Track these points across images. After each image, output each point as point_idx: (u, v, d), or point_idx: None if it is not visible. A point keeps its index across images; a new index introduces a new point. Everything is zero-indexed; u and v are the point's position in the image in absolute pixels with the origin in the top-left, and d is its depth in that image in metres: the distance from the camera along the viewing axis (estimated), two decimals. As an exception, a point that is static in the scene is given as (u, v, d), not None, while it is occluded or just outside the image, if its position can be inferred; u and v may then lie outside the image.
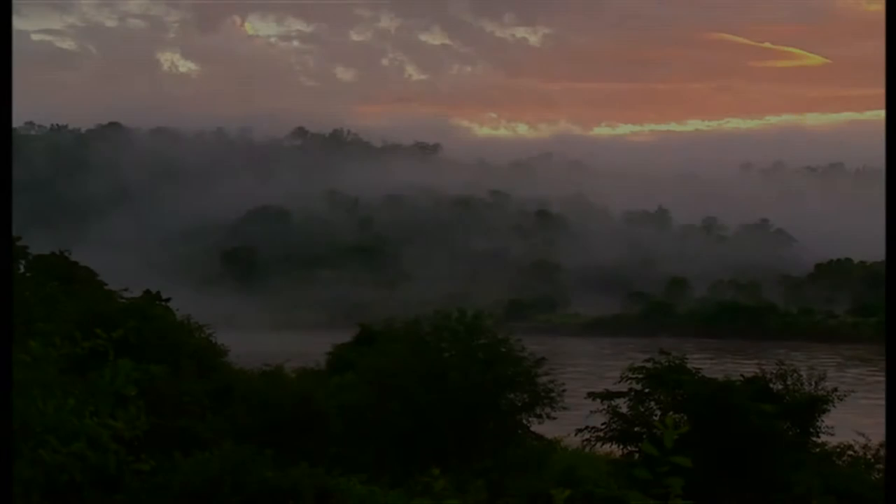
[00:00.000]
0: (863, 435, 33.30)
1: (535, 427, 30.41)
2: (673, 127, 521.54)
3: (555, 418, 29.75)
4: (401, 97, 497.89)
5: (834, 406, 32.35)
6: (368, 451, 27.45)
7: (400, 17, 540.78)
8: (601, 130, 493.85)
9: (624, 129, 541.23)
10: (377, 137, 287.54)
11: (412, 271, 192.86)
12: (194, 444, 23.60)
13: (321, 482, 21.46)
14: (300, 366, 37.27)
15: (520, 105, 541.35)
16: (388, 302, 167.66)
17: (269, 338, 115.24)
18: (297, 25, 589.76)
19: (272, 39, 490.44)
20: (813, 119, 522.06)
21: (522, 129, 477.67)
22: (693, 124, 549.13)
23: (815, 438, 31.68)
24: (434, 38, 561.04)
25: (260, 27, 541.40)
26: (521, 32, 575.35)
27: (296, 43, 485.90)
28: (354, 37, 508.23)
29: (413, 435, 28.02)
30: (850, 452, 32.49)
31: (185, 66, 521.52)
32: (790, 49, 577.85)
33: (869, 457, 32.68)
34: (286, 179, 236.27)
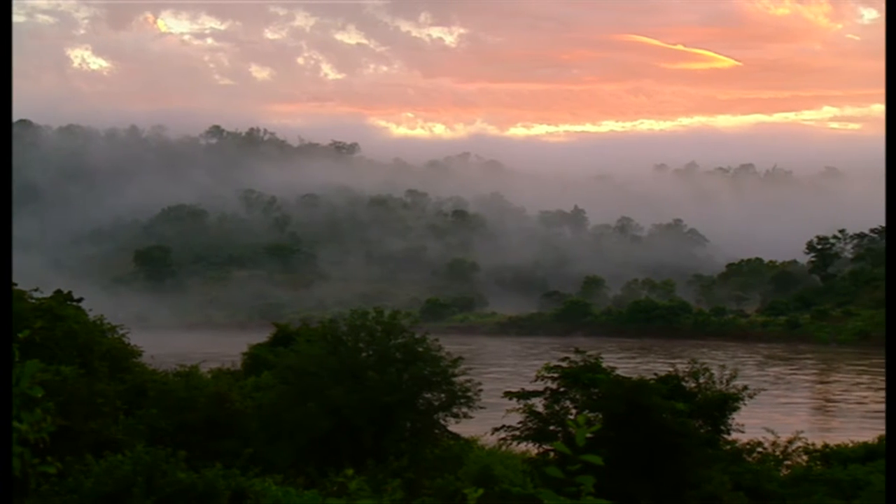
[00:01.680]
0: (772, 432, 33.95)
1: (452, 426, 30.46)
2: (588, 128, 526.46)
3: (471, 417, 29.83)
4: (317, 96, 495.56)
5: (744, 404, 32.92)
6: (285, 451, 27.27)
7: (315, 16, 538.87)
8: (517, 131, 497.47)
9: (539, 129, 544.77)
10: (294, 136, 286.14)
11: (329, 271, 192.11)
12: (106, 445, 23.26)
13: (236, 483, 21.29)
14: (216, 366, 36.90)
15: (436, 105, 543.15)
16: (304, 302, 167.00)
17: (184, 338, 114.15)
18: (211, 23, 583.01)
19: (185, 37, 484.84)
20: (724, 121, 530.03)
21: (439, 129, 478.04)
22: (608, 125, 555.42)
23: (725, 436, 32.21)
24: (350, 37, 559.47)
25: (173, 24, 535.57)
26: (437, 32, 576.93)
27: (210, 41, 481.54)
28: (269, 35, 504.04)
29: (330, 435, 27.90)
30: (760, 449, 33.10)
31: (97, 63, 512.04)
32: (701, 51, 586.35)
33: (778, 453, 33.33)
34: (201, 178, 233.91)
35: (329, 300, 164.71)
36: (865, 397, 79.04)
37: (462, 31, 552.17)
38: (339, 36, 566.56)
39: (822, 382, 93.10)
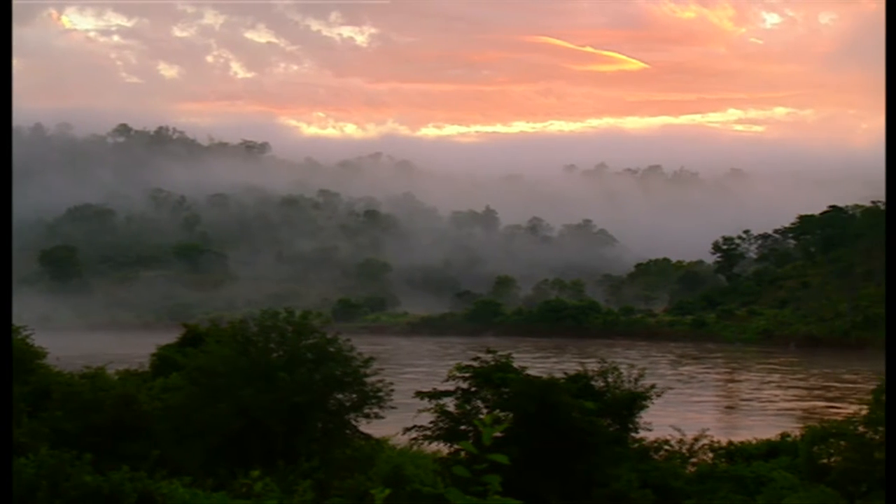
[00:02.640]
0: (678, 430, 34.50)
1: (364, 427, 30.41)
2: (499, 128, 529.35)
3: (383, 418, 29.81)
4: (227, 95, 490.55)
5: (652, 402, 33.39)
6: (194, 452, 26.98)
7: (224, 14, 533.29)
8: (428, 131, 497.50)
9: (451, 129, 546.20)
10: (203, 135, 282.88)
11: (239, 271, 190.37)
12: (9, 449, 22.71)
13: (143, 486, 21.02)
14: (123, 367, 36.35)
15: (347, 104, 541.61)
16: (214, 302, 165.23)
17: (91, 339, 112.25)
18: (117, 20, 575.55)
19: (91, 34, 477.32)
20: (632, 122, 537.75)
21: (350, 129, 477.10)
22: (518, 126, 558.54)
23: (633, 434, 32.62)
24: (259, 35, 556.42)
25: (78, 21, 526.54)
26: (347, 32, 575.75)
27: (116, 38, 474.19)
28: (177, 33, 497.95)
29: (240, 436, 27.67)
30: (667, 447, 33.60)
31: None
32: (610, 53, 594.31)
33: (684, 451, 33.88)
34: (108, 177, 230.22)
35: (239, 300, 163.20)
36: (775, 395, 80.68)
37: (373, 30, 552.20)
38: (249, 34, 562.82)
39: (728, 381, 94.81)
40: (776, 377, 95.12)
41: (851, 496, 21.93)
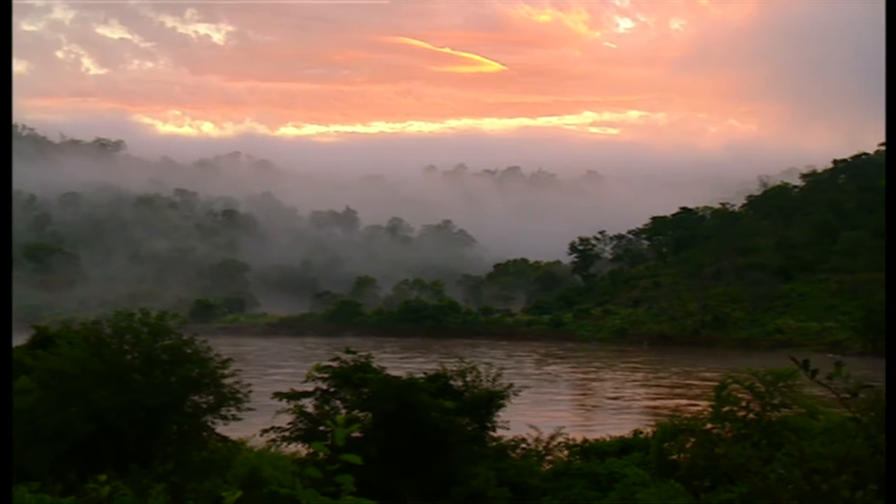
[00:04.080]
0: (535, 428, 35.06)
1: (221, 429, 30.05)
2: (358, 128, 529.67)
3: (241, 419, 29.52)
4: (79, 91, 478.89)
5: (510, 402, 33.80)
6: (43, 457, 26.27)
7: (74, 9, 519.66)
8: (287, 130, 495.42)
9: (310, 129, 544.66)
10: (54, 133, 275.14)
11: (91, 272, 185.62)
12: None
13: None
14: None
15: (204, 103, 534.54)
16: (65, 303, 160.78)
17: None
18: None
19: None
20: (490, 124, 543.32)
21: (208, 128, 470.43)
22: (378, 126, 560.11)
23: (491, 433, 32.98)
24: (112, 31, 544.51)
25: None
26: (203, 29, 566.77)
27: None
28: (25, 27, 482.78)
29: (92, 440, 27.06)
30: (524, 445, 34.10)
31: None
32: (468, 55, 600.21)
33: (541, 449, 34.44)
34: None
35: (92, 301, 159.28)
36: (637, 394, 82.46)
37: (230, 28, 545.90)
38: (101, 30, 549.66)
39: (586, 379, 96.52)
40: (628, 374, 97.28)
41: (696, 491, 22.61)
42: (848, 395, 3.66)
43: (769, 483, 3.59)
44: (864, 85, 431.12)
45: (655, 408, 67.35)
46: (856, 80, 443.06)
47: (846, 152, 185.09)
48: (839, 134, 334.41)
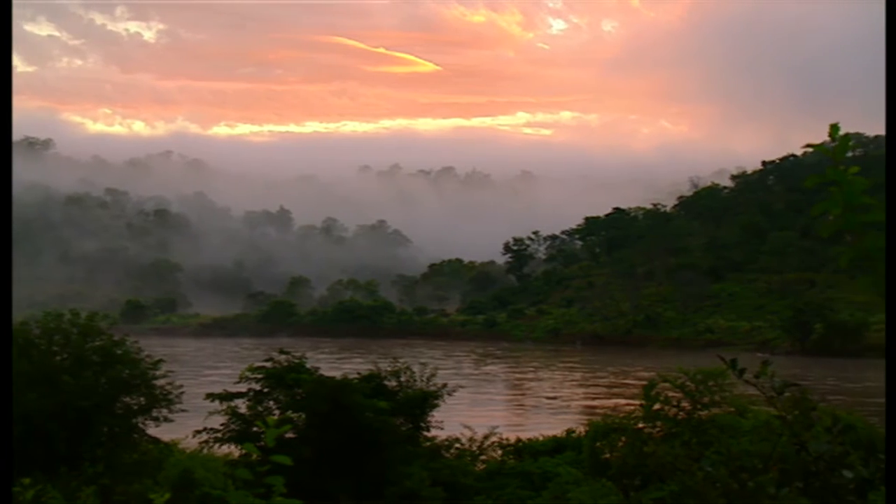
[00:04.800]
0: (469, 428, 35.15)
1: (153, 430, 29.75)
2: (292, 128, 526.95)
3: (172, 421, 29.24)
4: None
5: (444, 402, 33.87)
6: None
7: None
8: (220, 130, 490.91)
9: (243, 128, 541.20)
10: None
11: (20, 272, 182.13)
12: None
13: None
14: None
15: (135, 101, 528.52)
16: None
17: None
18: None
19: None
20: (425, 124, 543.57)
21: (139, 127, 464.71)
22: (312, 126, 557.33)
23: (425, 433, 33.02)
24: (40, 28, 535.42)
25: None
26: (134, 27, 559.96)
27: None
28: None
29: (21, 442, 26.64)
30: (458, 445, 34.17)
31: None
32: (402, 55, 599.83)
33: (474, 449, 34.54)
34: None
35: (21, 302, 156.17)
36: (574, 394, 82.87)
37: (161, 26, 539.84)
38: (29, 27, 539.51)
39: (521, 379, 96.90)
40: (566, 374, 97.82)
41: (627, 489, 22.83)
42: (774, 394, 3.73)
43: (697, 481, 3.65)
44: (791, 87, 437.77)
45: (593, 407, 67.80)
46: (784, 83, 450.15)
47: (775, 154, 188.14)
48: (768, 136, 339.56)
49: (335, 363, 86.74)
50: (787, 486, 3.38)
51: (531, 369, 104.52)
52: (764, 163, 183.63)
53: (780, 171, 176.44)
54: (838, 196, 2.82)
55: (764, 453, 3.67)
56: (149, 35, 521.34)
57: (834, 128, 3.00)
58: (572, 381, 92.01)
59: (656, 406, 27.35)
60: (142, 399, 29.11)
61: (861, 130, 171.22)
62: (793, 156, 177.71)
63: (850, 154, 2.97)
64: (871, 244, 2.79)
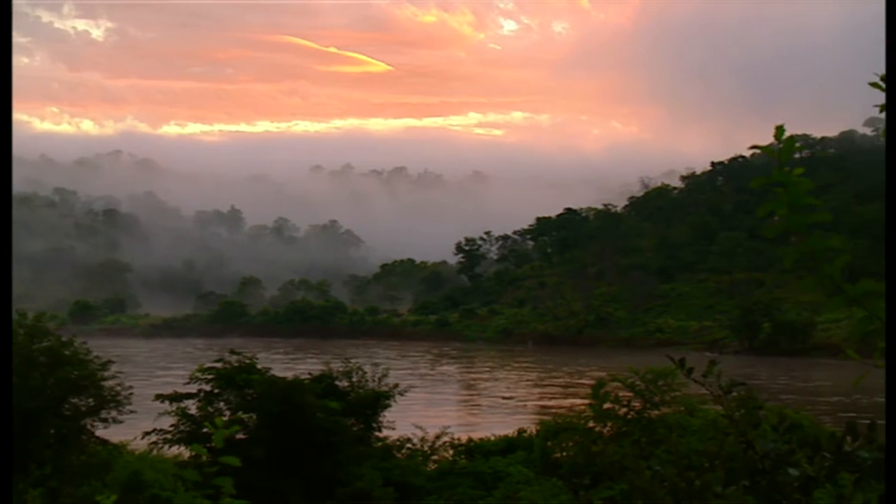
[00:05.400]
0: (421, 428, 35.16)
1: (101, 432, 29.47)
2: (243, 128, 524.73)
3: (122, 422, 29.00)
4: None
5: (395, 402, 33.85)
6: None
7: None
8: (170, 129, 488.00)
9: (194, 128, 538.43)
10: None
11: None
12: None
13: None
14: None
15: (84, 100, 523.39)
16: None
17: None
18: None
19: None
20: (376, 124, 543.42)
21: (87, 126, 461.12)
22: (263, 125, 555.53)
23: (377, 433, 32.99)
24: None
25: None
26: (82, 25, 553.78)
27: None
28: None
29: (-35, 446, 26.30)
30: (409, 445, 34.17)
31: None
32: (354, 55, 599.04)
33: (426, 449, 34.55)
34: None
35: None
36: (530, 394, 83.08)
37: (110, 24, 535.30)
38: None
39: (476, 379, 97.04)
40: (522, 374, 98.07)
41: (576, 488, 22.98)
42: (721, 393, 3.78)
43: (645, 480, 3.68)
44: (740, 89, 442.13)
45: (546, 407, 68.09)
46: (732, 85, 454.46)
47: (723, 155, 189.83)
48: (716, 137, 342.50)
49: (287, 364, 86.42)
50: (733, 484, 3.42)
51: (486, 369, 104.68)
52: (713, 163, 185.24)
53: (729, 172, 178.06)
54: (783, 197, 2.86)
55: (711, 452, 3.70)
56: (97, 33, 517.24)
57: (779, 129, 3.04)
58: (527, 380, 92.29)
59: (606, 405, 27.50)
60: (90, 400, 28.84)
61: (808, 132, 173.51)
62: (741, 157, 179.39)
63: (797, 155, 3.02)
64: (815, 244, 2.83)
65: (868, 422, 3.36)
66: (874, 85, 2.95)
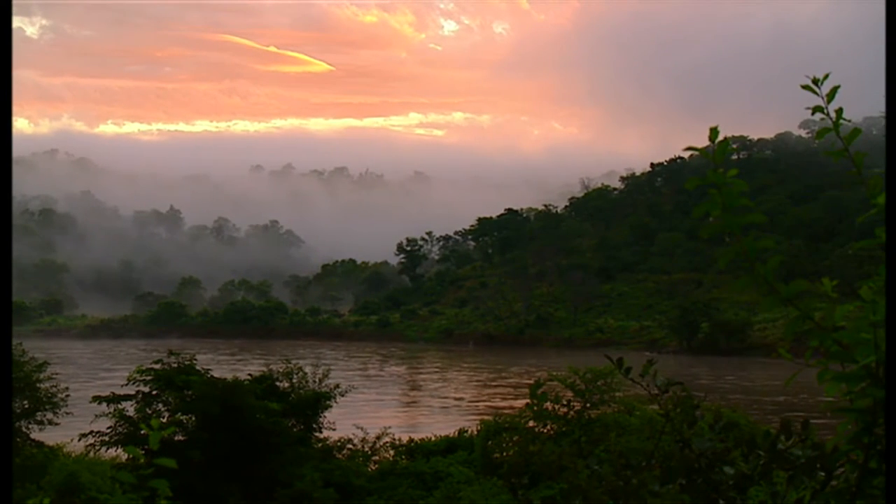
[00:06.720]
0: (361, 429, 35.11)
1: (37, 434, 29.10)
2: (182, 127, 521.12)
3: (58, 424, 28.66)
4: None
5: (336, 402, 33.77)
6: None
7: None
8: (107, 128, 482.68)
9: (131, 127, 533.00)
10: None
11: None
12: None
13: None
14: None
15: (18, 98, 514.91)
16: None
17: None
18: None
19: None
20: (317, 124, 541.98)
21: (22, 124, 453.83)
22: (202, 125, 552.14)
23: (318, 434, 32.89)
24: None
25: None
26: (16, 22, 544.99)
27: None
28: None
29: None
30: (350, 446, 34.11)
31: None
32: (294, 54, 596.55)
33: (367, 449, 34.51)
34: None
35: None
36: (482, 394, 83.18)
37: (45, 22, 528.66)
38: None
39: (414, 379, 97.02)
40: (471, 375, 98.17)
41: (515, 488, 23.08)
42: (658, 392, 3.81)
43: (582, 479, 3.70)
44: (677, 91, 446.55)
45: (490, 407, 68.26)
46: (670, 86, 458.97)
47: (662, 156, 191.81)
48: (655, 138, 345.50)
49: (227, 364, 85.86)
50: (670, 482, 3.45)
51: (435, 370, 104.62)
52: (652, 165, 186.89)
53: (668, 173, 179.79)
54: (718, 198, 2.89)
55: (648, 450, 3.73)
56: (32, 31, 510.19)
57: (713, 131, 3.07)
58: (477, 382, 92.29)
59: (546, 405, 27.63)
60: (25, 402, 28.48)
61: (745, 133, 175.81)
62: (680, 158, 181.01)
63: (734, 157, 3.05)
64: (749, 245, 2.87)
65: (802, 421, 3.41)
66: (807, 88, 3.00)
